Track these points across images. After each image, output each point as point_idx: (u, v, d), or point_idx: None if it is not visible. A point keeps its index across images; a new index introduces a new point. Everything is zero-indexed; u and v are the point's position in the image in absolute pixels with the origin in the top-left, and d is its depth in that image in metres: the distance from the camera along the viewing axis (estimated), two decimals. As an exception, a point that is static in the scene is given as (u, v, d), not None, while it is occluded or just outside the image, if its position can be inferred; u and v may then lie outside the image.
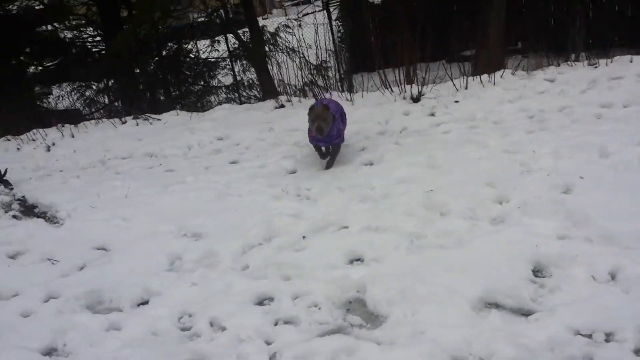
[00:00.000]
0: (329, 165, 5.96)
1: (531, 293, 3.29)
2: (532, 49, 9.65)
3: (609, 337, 2.86)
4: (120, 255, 4.53)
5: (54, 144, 8.75)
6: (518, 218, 4.11)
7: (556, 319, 2.99)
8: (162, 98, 13.29)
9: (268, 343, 3.22)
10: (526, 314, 3.16)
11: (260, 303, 3.67)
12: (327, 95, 8.30)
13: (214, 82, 13.65)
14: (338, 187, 5.36)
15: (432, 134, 6.64)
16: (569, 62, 8.49)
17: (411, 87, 8.20)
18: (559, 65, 8.45)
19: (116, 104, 13.29)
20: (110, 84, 13.75)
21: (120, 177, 6.73)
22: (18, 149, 8.90)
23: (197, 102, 12.98)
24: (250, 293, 3.74)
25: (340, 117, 6.03)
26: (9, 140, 9.37)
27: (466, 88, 8.02)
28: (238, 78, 13.07)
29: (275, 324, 3.41)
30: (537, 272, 3.51)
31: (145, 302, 3.83)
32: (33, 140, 9.12)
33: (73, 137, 9.01)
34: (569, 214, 4.01)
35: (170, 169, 6.91)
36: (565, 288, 3.25)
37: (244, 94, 12.88)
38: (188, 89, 13.64)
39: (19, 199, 6.11)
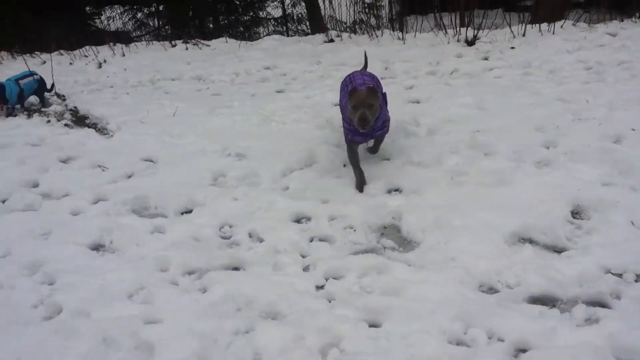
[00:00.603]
0: (374, 151, 4.65)
1: (567, 232, 3.30)
2: (595, 3, 9.21)
3: (639, 278, 2.88)
4: (166, 168, 4.70)
5: (105, 61, 8.95)
6: (563, 163, 4.06)
7: (589, 257, 3.01)
8: (210, 26, 13.29)
9: (303, 256, 3.35)
10: (559, 250, 3.19)
11: (298, 221, 3.79)
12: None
13: (263, 14, 13.54)
14: (382, 121, 5.35)
15: (484, 77, 6.51)
16: (633, 19, 8.09)
17: (466, 30, 7.97)
18: (622, 20, 8.07)
19: (166, 27, 13.37)
20: (160, 8, 13.79)
21: (168, 97, 6.87)
22: (70, 63, 9.14)
23: (245, 32, 12.94)
24: (288, 211, 3.85)
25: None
26: (61, 55, 9.62)
27: (524, 35, 7.76)
28: (287, 11, 12.92)
29: (311, 241, 3.53)
30: (575, 214, 3.51)
31: (189, 211, 4.00)
32: (85, 56, 9.34)
33: (124, 56, 9.19)
34: (615, 162, 3.94)
35: (218, 93, 7.01)
36: (602, 230, 3.25)
37: (292, 27, 12.75)
38: (237, 19, 13.57)
39: (71, 110, 6.35)
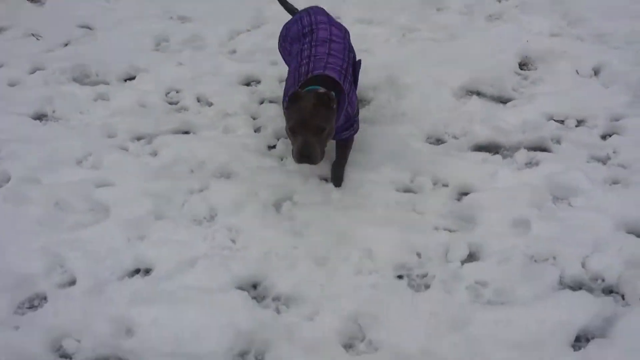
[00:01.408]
0: (337, 180, 2.74)
1: (514, 83, 3.36)
2: None
3: (580, 123, 3.01)
4: (105, 34, 4.41)
5: None
6: (514, 15, 4.02)
7: (533, 106, 3.11)
8: None
9: (254, 118, 3.32)
10: (505, 101, 3.26)
11: (247, 84, 3.70)
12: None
13: None
14: (332, -21, 5.08)
15: None
16: None
17: None
18: None
19: None
20: None
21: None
22: None
23: None
24: (237, 74, 3.74)
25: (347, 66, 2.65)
26: None
27: None
28: None
29: (261, 103, 3.48)
30: (523, 65, 3.55)
31: (132, 78, 3.82)
32: None
33: None
34: (565, 13, 3.92)
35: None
36: (548, 80, 3.32)
37: None
38: None
39: (-5, -24, 5.79)
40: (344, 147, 2.71)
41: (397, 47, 3.90)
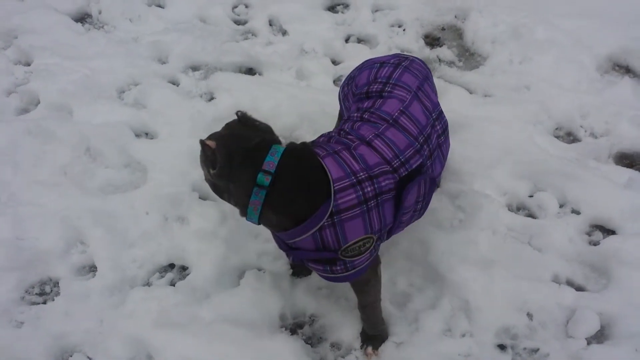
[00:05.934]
0: (372, 329, 1.71)
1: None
2: None
3: None
4: None
5: None
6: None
7: None
8: None
9: (335, 62, 2.65)
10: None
11: (333, 8, 2.99)
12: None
13: None
14: None
15: None
16: None
17: None
18: None
19: None
20: None
21: None
22: None
23: None
24: (322, -8, 3.03)
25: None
26: None
27: None
28: None
29: (347, 40, 2.79)
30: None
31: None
32: None
33: None
34: None
35: None
36: None
37: None
38: None
39: None
40: (357, 293, 1.63)
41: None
